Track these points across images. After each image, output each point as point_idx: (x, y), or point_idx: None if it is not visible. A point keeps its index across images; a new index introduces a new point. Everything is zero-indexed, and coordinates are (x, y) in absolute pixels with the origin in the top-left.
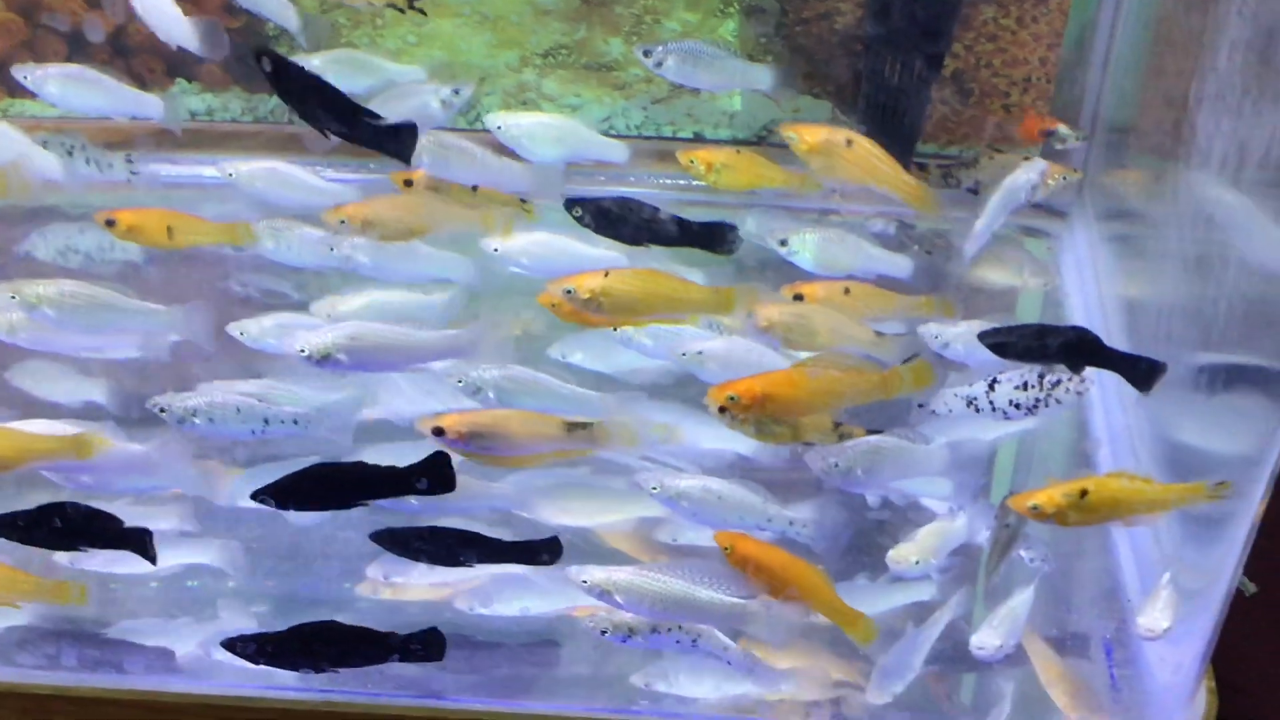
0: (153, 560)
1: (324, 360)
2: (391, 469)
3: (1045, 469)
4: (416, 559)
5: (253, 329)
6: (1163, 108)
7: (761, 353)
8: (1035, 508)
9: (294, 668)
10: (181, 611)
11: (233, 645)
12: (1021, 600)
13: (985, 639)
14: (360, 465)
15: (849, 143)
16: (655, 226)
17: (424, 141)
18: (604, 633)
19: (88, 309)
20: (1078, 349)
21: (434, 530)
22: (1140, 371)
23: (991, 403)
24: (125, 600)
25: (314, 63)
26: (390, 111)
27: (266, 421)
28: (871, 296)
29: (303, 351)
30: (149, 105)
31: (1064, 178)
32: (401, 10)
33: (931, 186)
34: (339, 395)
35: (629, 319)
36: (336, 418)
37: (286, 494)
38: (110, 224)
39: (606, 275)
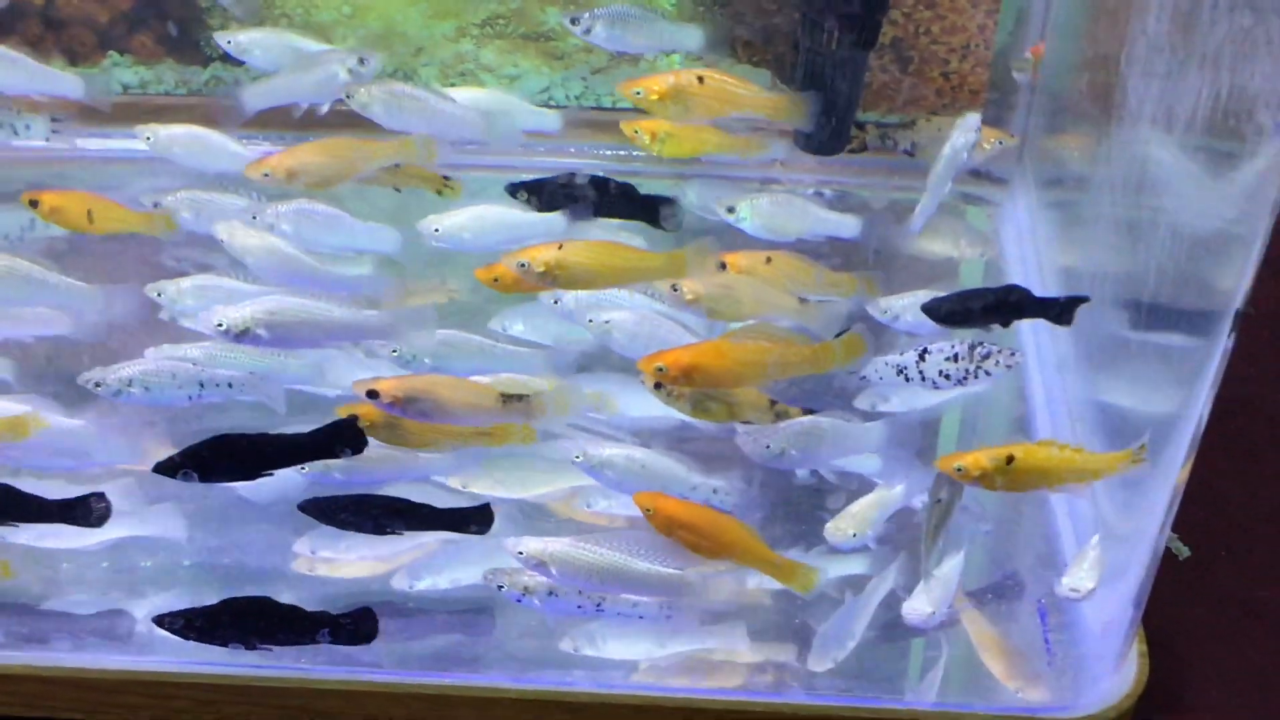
0: (99, 524)
1: (242, 335)
2: (299, 435)
3: (989, 439)
4: (345, 528)
5: (170, 290)
6: (1098, 72)
7: (670, 327)
8: (960, 469)
9: (224, 643)
10: (119, 587)
11: (163, 621)
12: (953, 565)
13: (917, 605)
14: (265, 435)
15: (701, 80)
16: (599, 200)
17: (375, 90)
18: (501, 586)
19: (9, 283)
20: (1010, 306)
21: (362, 499)
22: (1061, 308)
23: (921, 373)
24: (59, 575)
25: (240, 39)
26: (299, 81)
27: (201, 385)
28: (794, 269)
29: (220, 326)
30: (68, 84)
31: (999, 142)
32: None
33: (870, 147)
34: (273, 361)
35: (584, 289)
36: (270, 383)
37: (194, 464)
38: (34, 204)
39: (561, 248)
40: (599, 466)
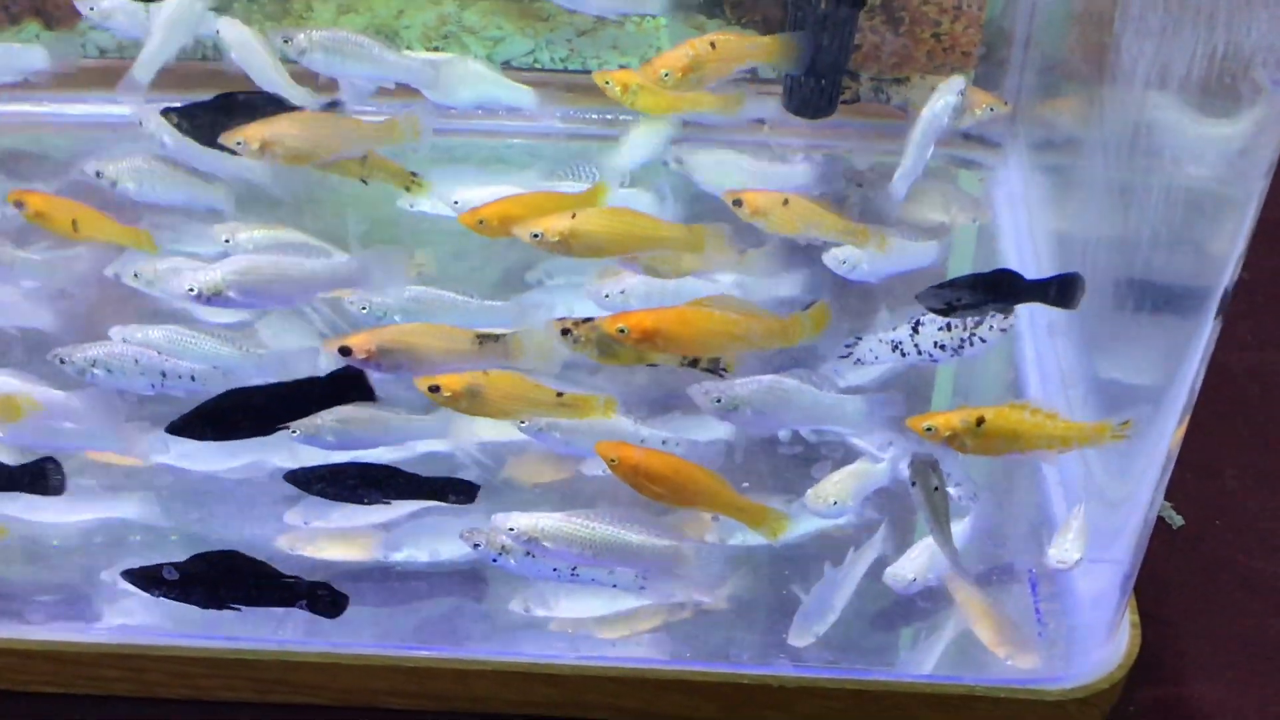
0: (57, 491)
1: (215, 297)
2: (305, 382)
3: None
4: (325, 497)
5: (147, 271)
6: (1090, 31)
7: (679, 292)
8: (930, 429)
9: (194, 603)
10: (94, 561)
11: (132, 576)
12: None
13: (900, 571)
14: (275, 385)
15: (713, 45)
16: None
17: (316, 36)
18: (477, 545)
19: None
20: (1003, 289)
21: (341, 467)
22: (1059, 292)
23: (917, 346)
24: (34, 550)
25: (105, 5)
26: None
27: (164, 375)
28: (810, 211)
29: (191, 290)
30: (31, 57)
31: (990, 108)
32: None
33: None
34: (238, 352)
35: (598, 258)
36: (234, 377)
37: (202, 424)
38: (19, 205)
39: (574, 216)
40: (545, 428)
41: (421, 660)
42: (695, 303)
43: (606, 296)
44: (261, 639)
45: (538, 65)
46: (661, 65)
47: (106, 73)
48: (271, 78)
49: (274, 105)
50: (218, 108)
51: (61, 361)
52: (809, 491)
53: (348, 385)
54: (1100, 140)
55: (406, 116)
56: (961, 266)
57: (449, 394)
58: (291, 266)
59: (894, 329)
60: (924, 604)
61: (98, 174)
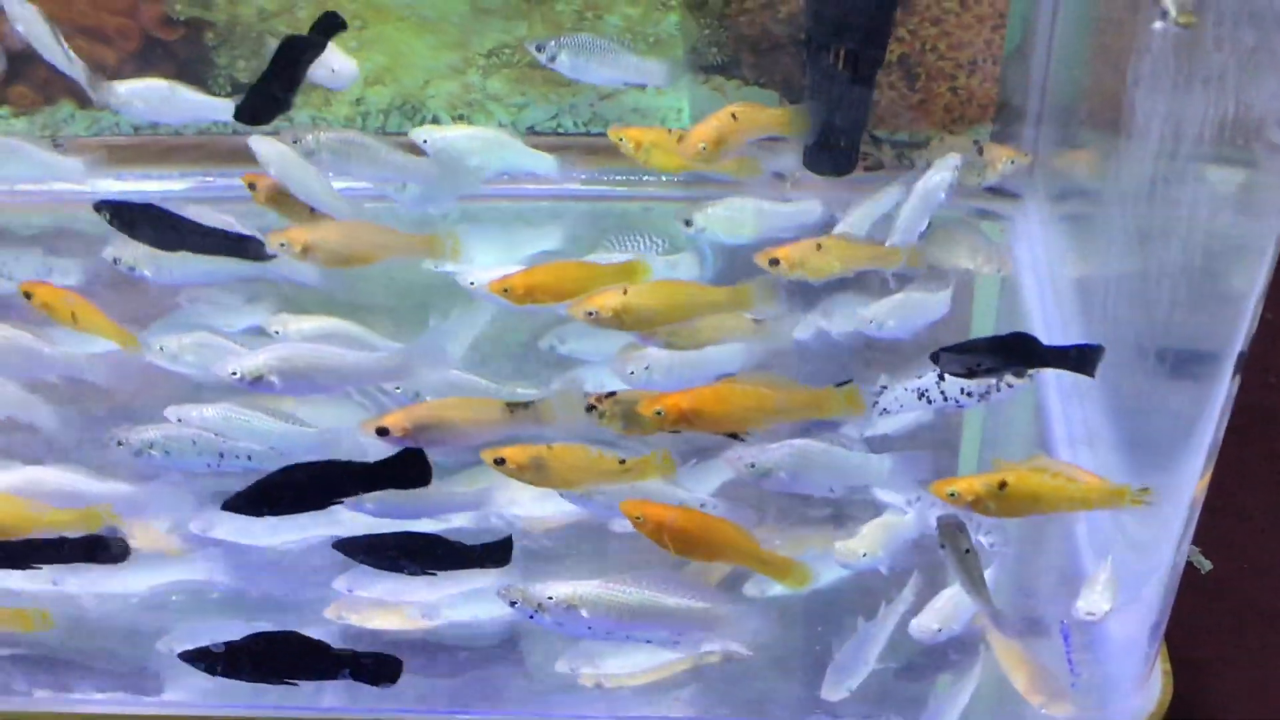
0: (120, 559)
1: (256, 382)
2: (365, 464)
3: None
4: (369, 565)
5: (171, 345)
6: (1106, 87)
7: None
8: (953, 494)
9: (247, 679)
10: (146, 630)
11: (187, 657)
12: None
13: (924, 622)
14: (332, 463)
15: (734, 116)
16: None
17: (324, 137)
18: (514, 603)
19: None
20: (1021, 353)
21: (378, 539)
22: (1078, 360)
23: (943, 393)
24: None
25: (121, 91)
26: None
27: (221, 456)
28: (845, 250)
29: (234, 374)
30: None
31: (1012, 161)
32: None
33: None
34: (295, 431)
35: (651, 329)
36: (290, 457)
37: (259, 500)
38: (28, 296)
39: (626, 292)
40: (589, 494)
41: None
42: (727, 380)
43: (632, 374)
44: (307, 707)
45: (561, 130)
46: (698, 138)
47: (140, 150)
48: (313, 190)
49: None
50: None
51: (119, 444)
52: (838, 545)
53: (407, 468)
54: (1117, 192)
55: (449, 234)
56: (985, 318)
57: (514, 466)
58: (333, 357)
59: (919, 377)
60: (954, 655)
61: (115, 260)
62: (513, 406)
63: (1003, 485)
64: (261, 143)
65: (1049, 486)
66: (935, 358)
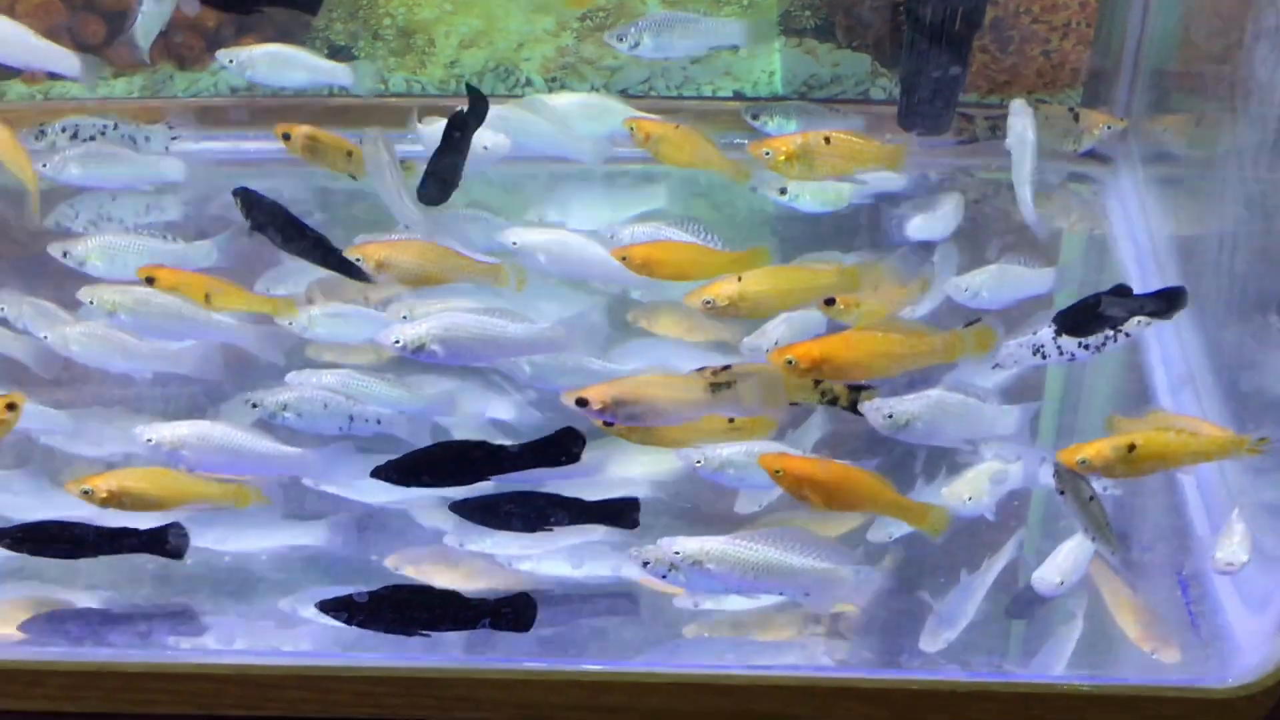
0: (178, 556)
1: (418, 351)
2: (519, 445)
3: (1096, 404)
4: (493, 527)
5: (301, 318)
6: (1210, 47)
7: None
8: (1084, 461)
9: (385, 630)
10: (279, 589)
11: (326, 607)
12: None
13: (1046, 575)
14: (485, 443)
15: (828, 140)
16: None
17: (368, 149)
18: (646, 564)
19: (161, 318)
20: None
21: (510, 496)
22: (1164, 302)
23: (1060, 348)
24: (223, 575)
25: (243, 56)
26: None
27: (351, 419)
28: (852, 146)
29: (397, 342)
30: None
31: (1108, 126)
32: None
33: (980, 138)
34: (420, 398)
35: (766, 316)
36: (418, 420)
37: (409, 472)
38: (150, 281)
39: (740, 280)
40: (721, 467)
41: (597, 675)
42: (857, 328)
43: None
44: (444, 657)
45: (653, 93)
46: (765, 146)
47: (235, 110)
48: (392, 197)
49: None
50: None
51: (254, 405)
52: (944, 489)
53: (560, 447)
54: (1232, 150)
55: (514, 265)
56: (1078, 275)
57: (624, 427)
58: (494, 328)
59: (1034, 333)
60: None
61: (64, 254)
62: (715, 386)
63: (1131, 448)
64: (370, 145)
65: (1175, 444)
66: (1057, 319)
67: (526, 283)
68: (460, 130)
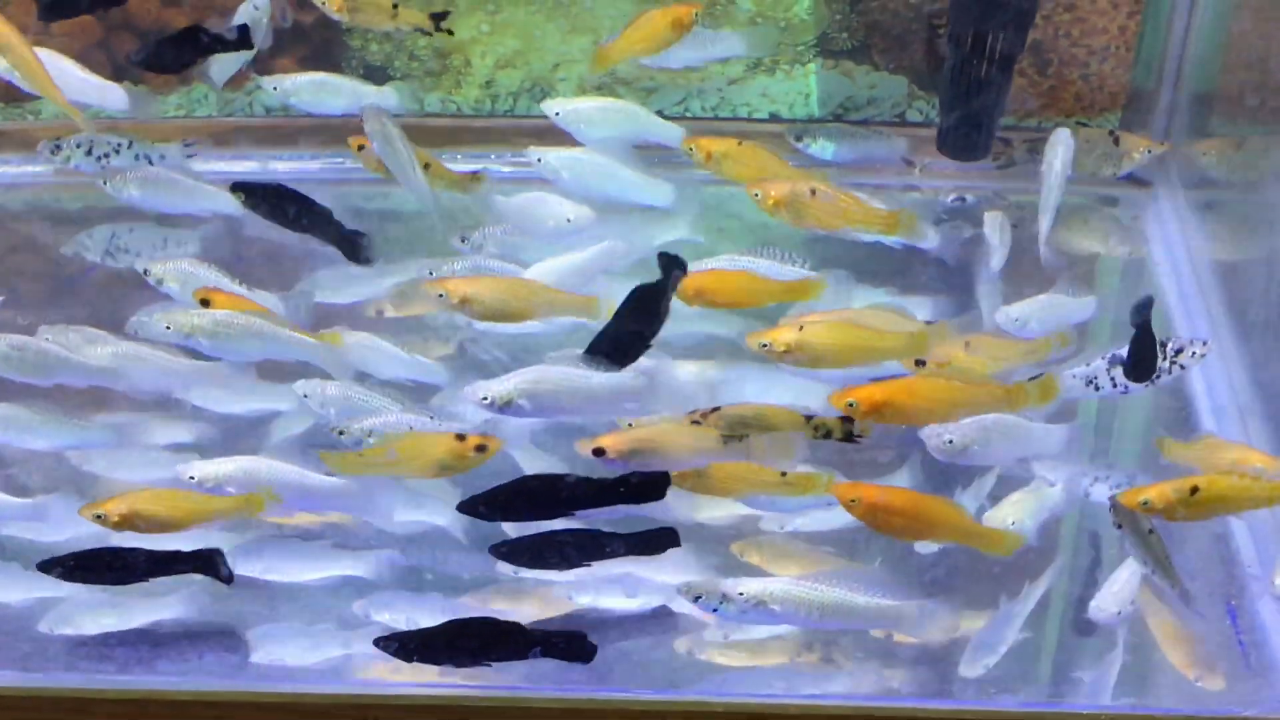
0: (227, 580)
1: (506, 407)
2: (603, 480)
3: (1135, 422)
4: (535, 567)
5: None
6: (1252, 72)
7: None
8: (1146, 503)
9: (440, 663)
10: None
11: (382, 643)
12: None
13: (1104, 604)
14: (574, 478)
15: (813, 192)
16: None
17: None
18: (698, 598)
19: (239, 339)
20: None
21: (548, 535)
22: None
23: (1113, 379)
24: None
25: (287, 84)
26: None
27: None
28: (841, 204)
29: (485, 399)
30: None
31: (1149, 150)
32: (429, 33)
33: (1018, 162)
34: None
35: (825, 369)
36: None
37: (495, 506)
38: (205, 304)
39: (801, 329)
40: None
41: (655, 704)
42: (920, 373)
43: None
44: (493, 686)
45: (689, 114)
46: (755, 188)
47: (271, 131)
48: (407, 175)
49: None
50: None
51: (340, 434)
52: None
53: (646, 487)
54: (1278, 173)
55: (604, 298)
56: (1114, 299)
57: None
58: (579, 379)
59: (1087, 365)
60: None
61: (145, 271)
62: (726, 438)
63: (1194, 490)
64: (374, 118)
65: (1236, 489)
66: (1127, 370)
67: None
68: (653, 300)
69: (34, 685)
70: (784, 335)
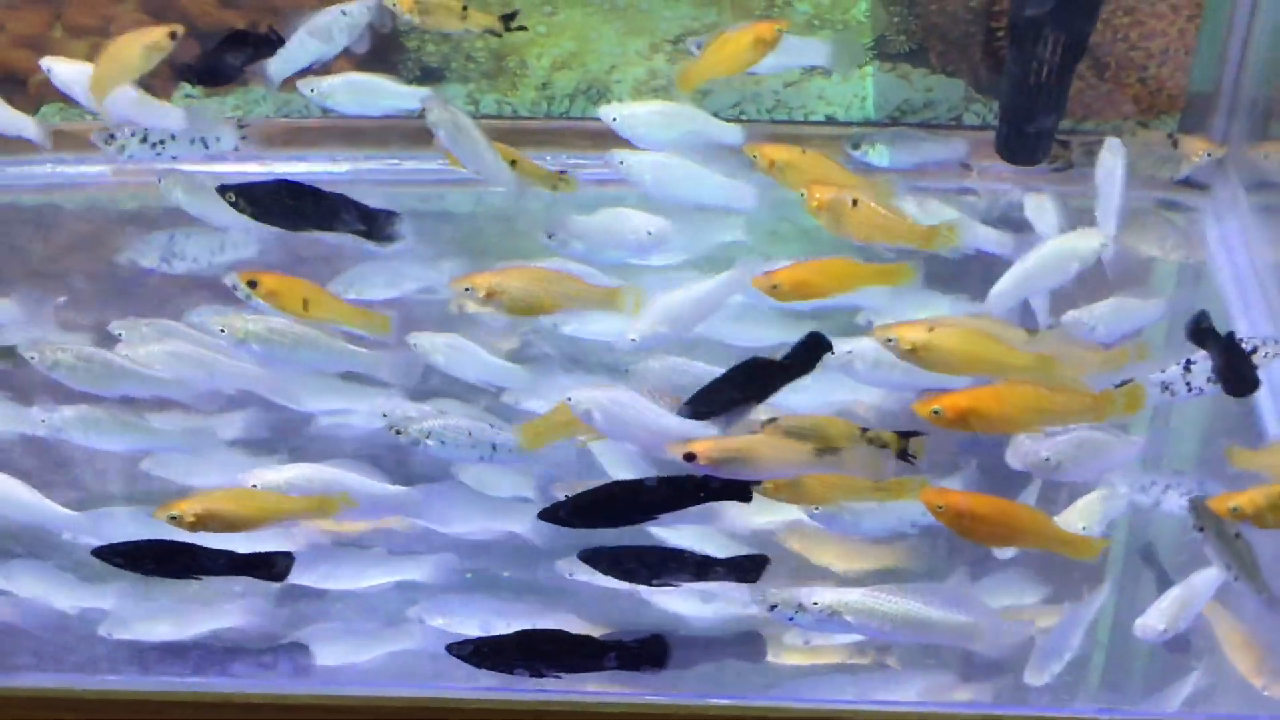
0: (280, 579)
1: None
2: (687, 480)
3: (1192, 435)
4: (621, 579)
5: (425, 343)
6: None
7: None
8: (1236, 509)
9: (513, 671)
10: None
11: (455, 649)
12: (1202, 581)
13: (1150, 622)
14: (658, 483)
15: (855, 203)
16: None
17: (441, 114)
18: (774, 607)
19: (292, 348)
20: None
21: (640, 549)
22: None
23: (1189, 384)
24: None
25: (324, 86)
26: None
27: (494, 448)
28: (881, 218)
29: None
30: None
31: (1208, 154)
32: (498, 34)
33: (1075, 165)
34: None
35: (949, 374)
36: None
37: (579, 513)
38: (252, 285)
39: (931, 330)
40: (837, 513)
41: (731, 709)
42: (1009, 380)
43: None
44: (565, 690)
45: (744, 117)
46: (814, 192)
47: (325, 132)
48: (483, 161)
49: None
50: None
51: (397, 432)
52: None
53: (728, 492)
54: None
55: (630, 288)
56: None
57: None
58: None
59: (1163, 370)
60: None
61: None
62: (820, 451)
63: None
64: (437, 108)
65: None
66: (1228, 387)
67: (643, 305)
68: (777, 376)
69: (109, 688)
70: (912, 333)
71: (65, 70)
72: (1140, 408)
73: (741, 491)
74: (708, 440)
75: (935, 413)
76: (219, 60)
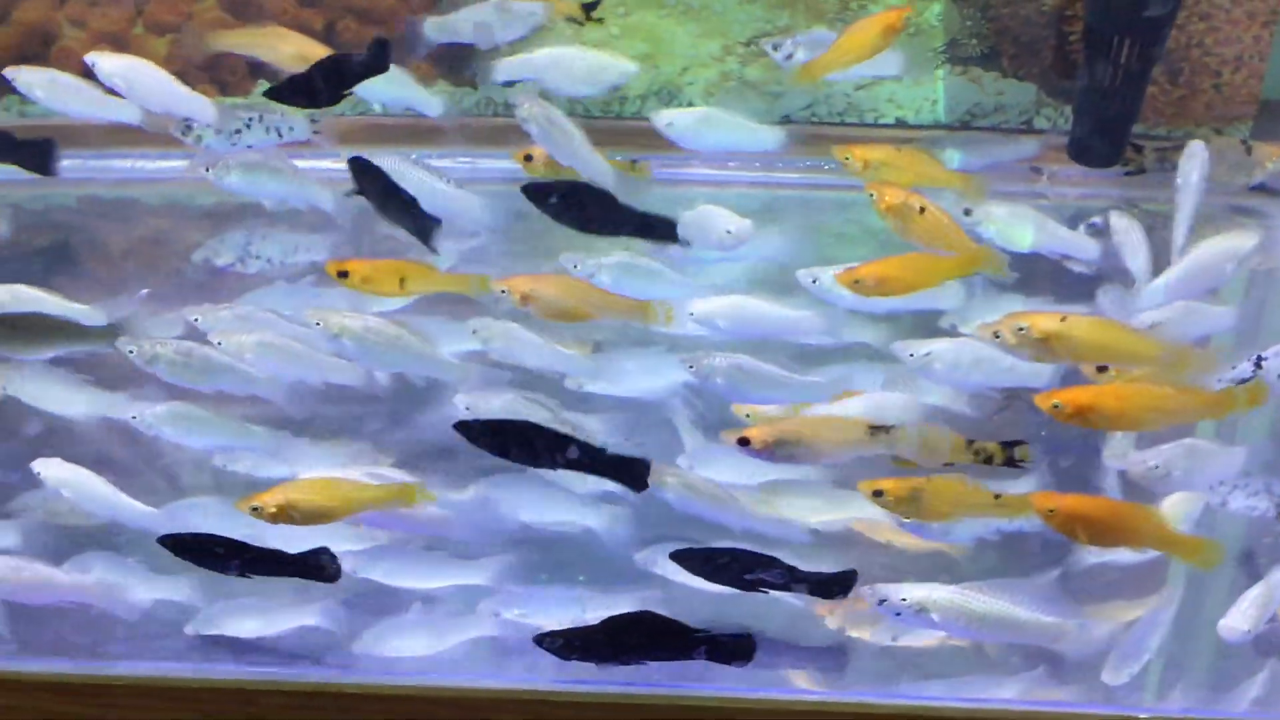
0: (332, 580)
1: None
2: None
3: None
4: (709, 579)
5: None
6: None
7: (988, 352)
8: None
9: (601, 662)
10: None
11: (543, 641)
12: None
13: (1234, 622)
14: (569, 436)
15: (922, 210)
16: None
17: (534, 110)
18: (883, 601)
19: (385, 348)
20: None
21: (732, 551)
22: None
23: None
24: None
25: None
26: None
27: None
28: (943, 225)
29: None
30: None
31: None
32: (580, 23)
33: (1147, 169)
34: None
35: (1081, 362)
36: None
37: (490, 434)
38: (343, 275)
39: (1064, 320)
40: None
41: (818, 705)
42: (1128, 378)
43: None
44: (658, 684)
45: (815, 119)
46: (878, 189)
47: (404, 130)
48: (580, 153)
49: None
50: None
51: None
52: None
53: (622, 472)
54: None
55: (661, 304)
56: (1246, 310)
57: (892, 499)
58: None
59: (1233, 367)
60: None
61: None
62: (874, 429)
63: None
64: (531, 104)
65: None
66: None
67: (674, 319)
68: None
69: (202, 676)
70: (1045, 322)
71: (110, 64)
72: (1262, 404)
73: (636, 479)
74: (761, 426)
75: (1055, 406)
76: (313, 83)
